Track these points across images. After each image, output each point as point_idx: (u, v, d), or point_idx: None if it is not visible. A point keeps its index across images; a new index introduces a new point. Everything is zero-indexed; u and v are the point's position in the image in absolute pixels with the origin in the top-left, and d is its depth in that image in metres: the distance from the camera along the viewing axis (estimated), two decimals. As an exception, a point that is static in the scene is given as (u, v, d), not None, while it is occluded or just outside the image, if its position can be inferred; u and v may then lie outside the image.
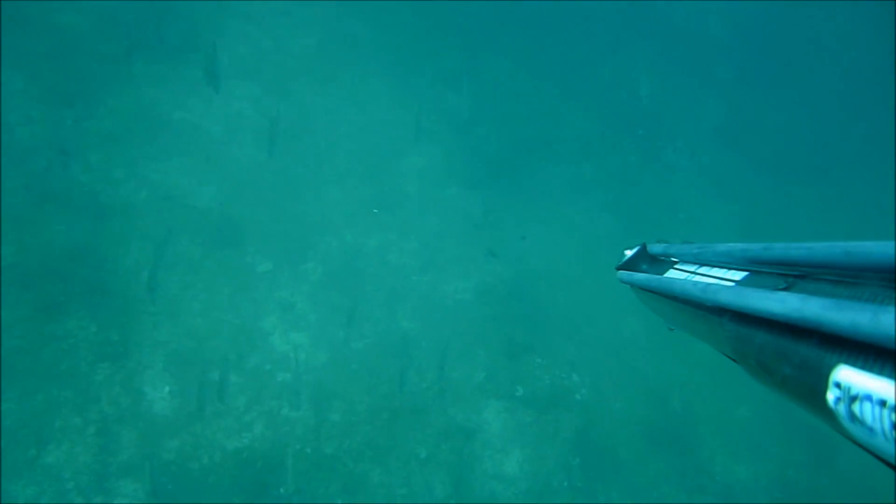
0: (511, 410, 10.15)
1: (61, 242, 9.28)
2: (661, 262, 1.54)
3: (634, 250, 1.60)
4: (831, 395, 0.72)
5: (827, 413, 0.74)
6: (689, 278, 1.31)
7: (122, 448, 8.17)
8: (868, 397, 0.65)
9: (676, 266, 1.46)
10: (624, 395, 11.19)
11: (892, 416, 0.61)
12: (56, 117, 10.73)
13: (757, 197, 16.21)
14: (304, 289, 10.81)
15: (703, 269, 1.30)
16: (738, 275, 1.13)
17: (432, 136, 13.76)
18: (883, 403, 0.63)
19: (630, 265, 1.60)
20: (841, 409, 0.70)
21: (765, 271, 1.05)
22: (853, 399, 0.68)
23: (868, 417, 0.65)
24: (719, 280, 1.17)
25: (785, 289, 0.94)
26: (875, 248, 0.73)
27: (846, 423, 0.70)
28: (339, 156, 12.83)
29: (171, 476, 8.20)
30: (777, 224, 15.55)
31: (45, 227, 9.32)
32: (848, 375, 0.69)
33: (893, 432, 0.61)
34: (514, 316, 11.29)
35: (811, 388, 0.76)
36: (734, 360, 1.06)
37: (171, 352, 9.24)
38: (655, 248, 1.56)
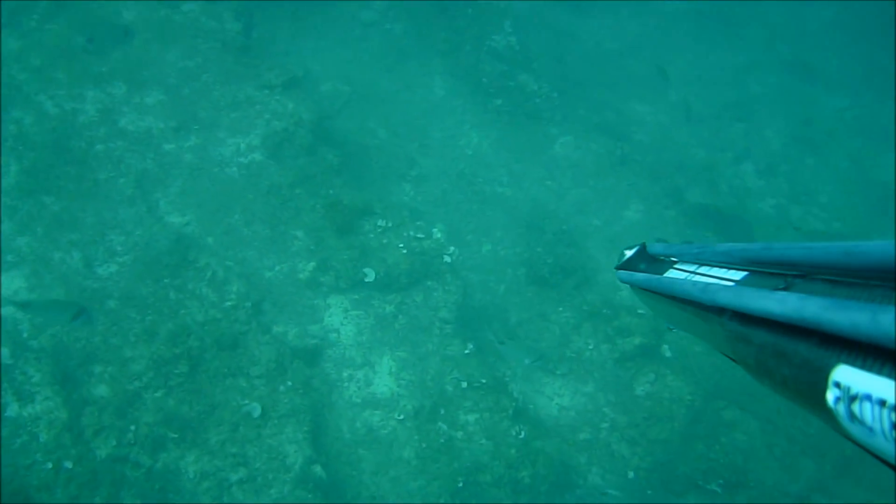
0: (363, 304, 7.12)
1: None
2: (660, 262, 1.48)
3: (634, 250, 1.54)
4: (831, 395, 0.71)
5: (827, 413, 0.73)
6: (688, 278, 1.28)
7: None
8: (867, 397, 0.64)
9: (676, 266, 1.40)
10: (492, 234, 8.56)
11: (892, 415, 0.61)
12: None
13: None
14: (-11, 201, 6.67)
15: (703, 269, 1.26)
16: (738, 275, 1.11)
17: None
18: (882, 403, 0.62)
19: (629, 265, 1.53)
20: (840, 408, 0.69)
21: (764, 271, 1.04)
22: (853, 399, 0.67)
23: (867, 417, 0.64)
24: (719, 280, 1.16)
25: (784, 289, 0.93)
26: (874, 248, 0.73)
27: (846, 423, 0.70)
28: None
29: None
30: None
31: None
32: (847, 375, 0.68)
33: (893, 432, 0.60)
34: (329, 168, 7.95)
35: (811, 388, 0.76)
36: (734, 360, 1.03)
37: None
38: (655, 247, 1.52)
